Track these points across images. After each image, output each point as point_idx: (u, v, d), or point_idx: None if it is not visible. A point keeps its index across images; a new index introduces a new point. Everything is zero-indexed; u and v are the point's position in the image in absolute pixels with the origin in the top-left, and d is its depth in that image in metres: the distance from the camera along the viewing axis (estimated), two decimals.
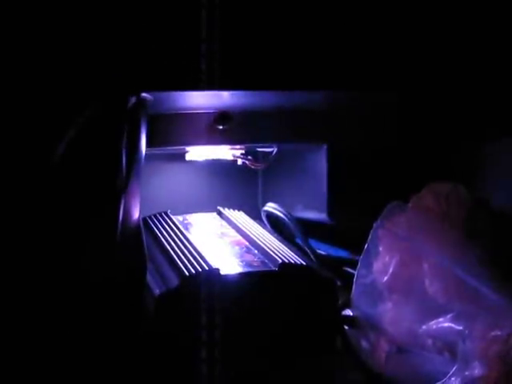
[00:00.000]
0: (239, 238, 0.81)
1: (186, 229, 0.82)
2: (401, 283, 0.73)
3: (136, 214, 0.61)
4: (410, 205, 0.75)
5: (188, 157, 0.88)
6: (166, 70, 0.61)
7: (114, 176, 0.57)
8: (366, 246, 0.74)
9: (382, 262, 0.74)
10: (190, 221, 0.87)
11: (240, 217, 0.88)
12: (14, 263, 0.57)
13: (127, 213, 0.59)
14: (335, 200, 0.89)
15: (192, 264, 0.71)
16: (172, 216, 0.85)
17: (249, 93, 0.71)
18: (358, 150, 0.86)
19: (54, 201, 0.56)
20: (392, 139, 0.84)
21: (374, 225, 0.74)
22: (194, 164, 0.91)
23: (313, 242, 0.91)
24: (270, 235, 0.83)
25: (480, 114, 0.81)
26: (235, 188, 1.01)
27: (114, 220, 0.57)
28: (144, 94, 0.61)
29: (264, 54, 0.65)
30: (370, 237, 0.74)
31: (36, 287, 0.57)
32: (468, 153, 0.85)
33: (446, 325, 0.70)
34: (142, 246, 0.63)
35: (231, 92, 0.69)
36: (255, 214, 0.93)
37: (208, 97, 0.71)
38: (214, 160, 0.88)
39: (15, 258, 0.57)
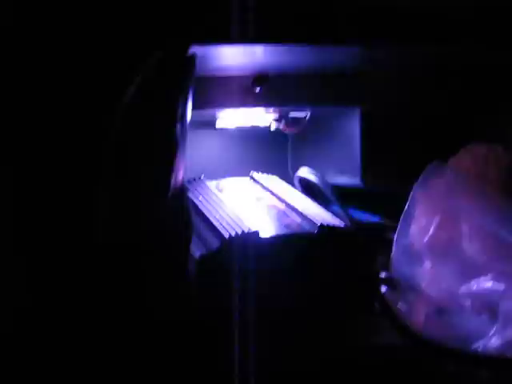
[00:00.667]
0: (275, 201, 0.82)
1: (221, 193, 0.83)
2: (440, 244, 0.74)
3: (182, 175, 0.62)
4: (448, 166, 0.76)
5: (218, 124, 0.88)
6: (210, 21, 0.61)
7: (172, 132, 0.58)
8: (405, 208, 0.75)
9: (421, 224, 0.74)
10: (224, 185, 0.87)
11: (274, 181, 0.89)
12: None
13: (177, 172, 0.60)
14: (369, 164, 0.90)
15: (231, 227, 0.71)
16: (206, 180, 0.85)
17: (285, 51, 0.71)
18: (392, 113, 0.86)
19: (116, 148, 0.57)
20: (427, 102, 0.85)
21: (413, 187, 0.75)
22: (223, 132, 0.91)
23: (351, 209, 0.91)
24: (305, 199, 0.84)
25: None
26: (265, 155, 1.01)
27: (168, 177, 0.58)
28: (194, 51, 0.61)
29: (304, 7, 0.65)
30: (409, 199, 0.75)
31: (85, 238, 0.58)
32: (504, 115, 0.86)
33: (486, 285, 0.71)
34: (187, 208, 0.64)
35: (270, 48, 0.69)
36: (286, 180, 0.94)
37: (245, 56, 0.72)
38: (243, 127, 0.89)
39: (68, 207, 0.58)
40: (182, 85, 0.58)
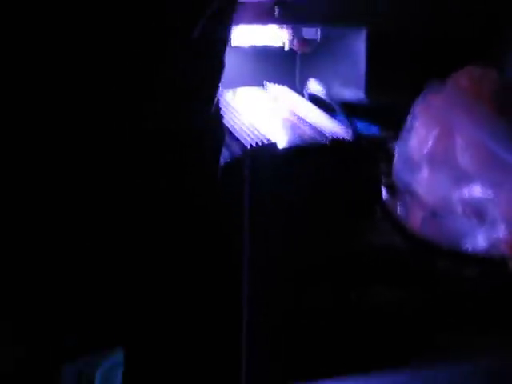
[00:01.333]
0: (288, 112, 0.89)
1: (238, 102, 0.90)
2: (437, 155, 0.82)
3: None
4: (447, 84, 0.83)
5: (234, 42, 0.94)
6: None
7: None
8: (406, 121, 0.82)
9: (421, 136, 0.82)
10: (239, 94, 0.94)
11: (286, 92, 0.96)
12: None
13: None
14: (372, 80, 0.97)
15: (250, 137, 0.78)
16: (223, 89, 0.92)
17: None
18: (396, 34, 0.93)
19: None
20: (429, 24, 0.91)
21: (415, 102, 0.82)
22: (238, 49, 0.97)
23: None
24: (314, 110, 0.91)
25: None
26: (275, 71, 1.08)
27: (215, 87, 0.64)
28: None
29: None
30: (410, 113, 0.82)
31: None
32: (500, 39, 0.92)
33: (476, 192, 0.79)
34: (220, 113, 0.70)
35: None
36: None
37: None
38: (257, 46, 0.95)
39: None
40: None
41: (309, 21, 0.90)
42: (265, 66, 1.05)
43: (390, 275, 0.79)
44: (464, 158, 0.80)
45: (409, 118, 0.82)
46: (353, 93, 0.99)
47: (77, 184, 0.64)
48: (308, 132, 0.83)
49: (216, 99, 0.66)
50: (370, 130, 1.02)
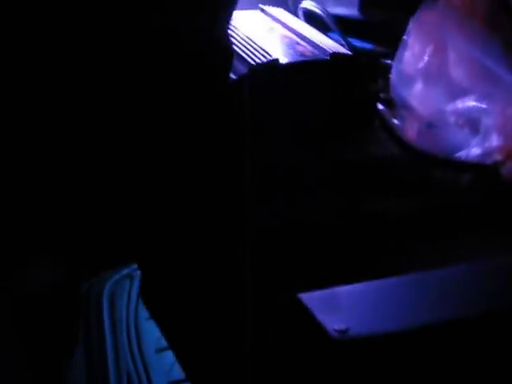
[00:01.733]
0: (287, 31, 0.93)
1: (237, 24, 0.93)
2: (431, 69, 0.86)
3: None
4: (439, 2, 0.87)
5: None
6: None
7: None
8: (403, 38, 0.86)
9: (416, 52, 0.86)
10: (236, 17, 0.97)
11: (282, 13, 0.99)
12: None
13: None
14: None
15: (255, 55, 0.82)
16: None
17: None
18: None
19: None
20: None
21: (410, 20, 0.86)
22: None
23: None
24: (311, 29, 0.95)
25: None
26: None
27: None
28: None
29: None
30: (406, 30, 0.86)
31: None
32: None
33: (469, 104, 0.84)
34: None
35: None
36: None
37: None
38: None
39: None
40: None
41: None
42: None
43: (388, 184, 0.83)
44: (457, 72, 0.84)
45: (405, 35, 0.86)
46: (347, 10, 1.02)
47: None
48: (308, 48, 0.87)
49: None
50: (365, 45, 1.06)
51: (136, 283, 1.03)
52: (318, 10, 0.99)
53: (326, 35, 0.98)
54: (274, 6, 1.05)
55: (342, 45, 0.95)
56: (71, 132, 0.68)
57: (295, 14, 1.06)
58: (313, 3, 1.00)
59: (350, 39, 1.05)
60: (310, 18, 1.02)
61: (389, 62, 0.97)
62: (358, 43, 1.06)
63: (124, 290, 1.02)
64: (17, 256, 0.69)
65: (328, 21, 0.98)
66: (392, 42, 0.96)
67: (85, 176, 0.71)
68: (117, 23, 0.67)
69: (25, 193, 0.69)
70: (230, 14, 0.71)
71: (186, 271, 0.74)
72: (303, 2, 1.02)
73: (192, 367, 0.72)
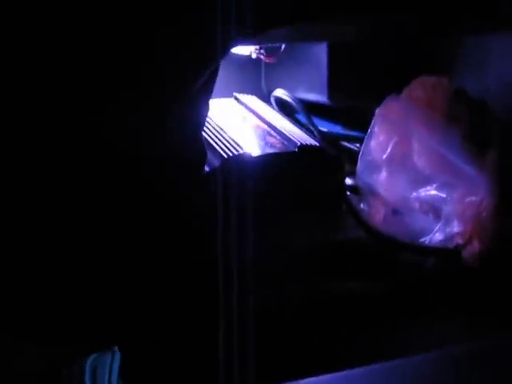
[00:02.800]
0: (259, 122, 0.98)
1: (211, 114, 0.98)
2: (395, 159, 0.91)
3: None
4: (402, 95, 0.92)
5: None
6: None
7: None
8: (369, 130, 0.91)
9: (381, 141, 0.91)
10: (212, 105, 1.02)
11: (255, 101, 1.04)
12: None
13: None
14: (334, 85, 1.06)
15: (227, 147, 0.87)
16: None
17: None
18: (358, 44, 1.01)
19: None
20: (386, 36, 1.00)
21: (376, 112, 0.91)
22: None
23: (315, 119, 1.09)
24: (282, 118, 1.00)
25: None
26: (242, 78, 1.16)
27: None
28: None
29: None
30: (372, 122, 0.91)
31: None
32: (448, 50, 1.02)
33: (432, 192, 0.88)
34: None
35: None
36: (261, 99, 1.10)
37: None
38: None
39: None
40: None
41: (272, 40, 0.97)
42: (232, 75, 1.13)
43: (355, 267, 0.87)
44: (420, 162, 0.88)
45: (370, 127, 0.91)
46: (317, 96, 1.08)
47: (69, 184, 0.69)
48: (278, 139, 0.92)
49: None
50: (334, 128, 1.11)
51: (117, 357, 1.05)
52: (288, 99, 1.04)
53: (296, 120, 1.03)
54: (248, 91, 1.10)
55: (312, 132, 1.00)
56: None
57: (268, 98, 1.11)
58: (284, 92, 1.06)
59: (319, 122, 1.10)
60: (282, 104, 1.08)
61: (356, 146, 1.02)
62: (326, 126, 1.11)
63: (106, 364, 1.04)
64: (4, 345, 0.72)
65: (298, 108, 1.03)
66: (358, 126, 1.01)
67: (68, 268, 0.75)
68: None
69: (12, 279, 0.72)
70: (203, 117, 0.76)
71: (167, 352, 0.77)
72: (276, 90, 1.07)
73: None
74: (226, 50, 0.69)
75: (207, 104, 0.73)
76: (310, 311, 0.81)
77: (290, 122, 1.00)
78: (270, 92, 1.11)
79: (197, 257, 0.78)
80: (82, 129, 0.68)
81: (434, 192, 0.88)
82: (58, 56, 0.65)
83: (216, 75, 0.71)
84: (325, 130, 1.08)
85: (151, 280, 0.77)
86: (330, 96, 1.06)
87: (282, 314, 0.79)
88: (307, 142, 0.90)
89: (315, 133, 1.01)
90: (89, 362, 0.96)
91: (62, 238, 0.72)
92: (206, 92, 0.70)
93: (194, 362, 0.76)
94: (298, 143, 0.89)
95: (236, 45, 0.74)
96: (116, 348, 0.97)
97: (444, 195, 0.86)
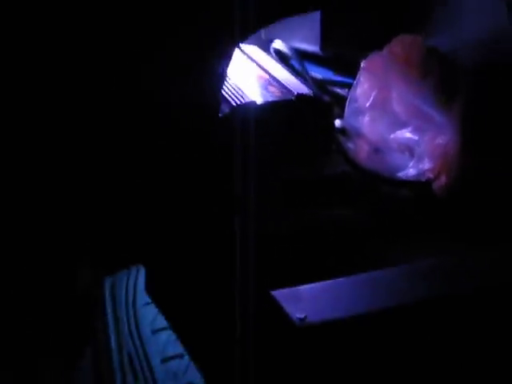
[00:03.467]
0: (261, 71, 1.13)
1: None
2: (377, 105, 1.05)
3: None
4: (384, 51, 1.07)
5: None
6: None
7: None
8: (354, 81, 1.07)
9: (365, 91, 1.05)
10: None
11: (257, 52, 1.19)
12: None
13: None
14: (327, 35, 1.21)
15: (235, 95, 1.02)
16: None
17: None
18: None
19: None
20: None
21: (361, 65, 1.06)
22: None
23: (309, 66, 1.22)
24: (280, 67, 1.15)
25: None
26: None
27: None
28: None
29: None
30: (357, 75, 1.06)
31: None
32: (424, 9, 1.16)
33: (407, 134, 1.03)
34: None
35: None
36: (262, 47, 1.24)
37: None
38: None
39: None
40: None
41: None
42: None
43: (343, 197, 1.00)
44: (398, 108, 1.02)
45: (356, 78, 1.06)
46: (311, 48, 1.23)
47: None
48: (278, 89, 1.07)
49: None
50: (326, 74, 1.26)
51: (132, 276, 1.23)
52: (286, 50, 1.19)
53: (293, 68, 1.18)
54: (251, 39, 1.23)
55: (306, 80, 1.15)
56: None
57: (268, 47, 1.25)
58: (282, 43, 1.21)
59: (313, 68, 1.25)
60: (280, 54, 1.23)
61: (345, 91, 1.18)
62: (319, 71, 1.26)
63: (122, 282, 1.22)
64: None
65: (295, 58, 1.18)
66: (347, 72, 1.16)
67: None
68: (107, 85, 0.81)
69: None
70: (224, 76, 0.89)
71: (185, 267, 0.91)
72: (275, 41, 1.22)
73: (188, 343, 0.92)
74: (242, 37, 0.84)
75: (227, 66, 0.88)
76: (302, 234, 0.94)
77: (288, 71, 1.14)
78: (271, 41, 1.24)
79: (211, 185, 0.91)
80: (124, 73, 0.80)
81: (408, 134, 1.02)
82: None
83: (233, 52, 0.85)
84: (318, 76, 1.22)
85: (173, 207, 0.92)
86: (323, 46, 1.20)
87: (278, 235, 0.92)
88: (303, 91, 1.04)
89: (309, 81, 1.15)
90: (108, 280, 1.14)
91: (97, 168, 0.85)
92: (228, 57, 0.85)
93: (208, 277, 0.89)
94: (295, 92, 1.03)
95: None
96: (131, 269, 1.14)
97: (417, 137, 1.01)
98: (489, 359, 0.80)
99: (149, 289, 0.99)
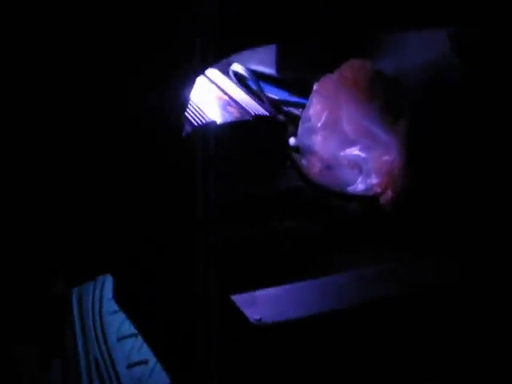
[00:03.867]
0: (220, 93, 1.20)
1: None
2: (329, 125, 1.12)
3: None
4: (335, 74, 1.15)
5: None
6: None
7: None
8: (307, 102, 1.14)
9: (318, 112, 1.13)
10: None
11: (216, 74, 1.27)
12: None
13: None
14: (282, 60, 1.29)
15: (196, 116, 1.09)
16: None
17: None
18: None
19: None
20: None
21: (314, 87, 1.14)
22: None
23: (266, 87, 1.30)
24: (239, 89, 1.22)
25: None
26: None
27: None
28: None
29: None
30: (310, 96, 1.14)
31: None
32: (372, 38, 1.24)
33: (356, 152, 1.11)
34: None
35: None
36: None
37: None
38: None
39: None
40: None
41: None
42: None
43: (297, 210, 1.07)
44: (348, 128, 1.09)
45: (309, 100, 1.14)
46: (267, 70, 1.31)
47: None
48: (236, 110, 1.14)
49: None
50: (281, 95, 1.33)
51: (98, 286, 1.29)
52: (244, 73, 1.27)
53: (250, 90, 1.26)
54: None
55: (263, 101, 1.23)
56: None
57: (227, 70, 1.33)
58: (239, 66, 1.28)
59: (268, 88, 1.33)
60: (238, 76, 1.30)
61: (299, 111, 1.26)
62: (275, 92, 1.34)
63: (89, 292, 1.28)
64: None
65: (252, 80, 1.26)
66: (301, 93, 1.23)
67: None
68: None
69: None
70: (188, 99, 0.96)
71: (152, 276, 0.97)
72: (233, 64, 1.30)
73: (155, 346, 0.99)
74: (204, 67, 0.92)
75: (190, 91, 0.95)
76: (259, 244, 1.01)
77: (246, 92, 1.21)
78: (229, 64, 1.31)
79: (174, 199, 0.95)
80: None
81: (357, 152, 1.09)
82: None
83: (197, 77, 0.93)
84: (274, 96, 1.30)
85: (139, 219, 0.98)
86: (279, 69, 1.29)
87: (236, 245, 0.99)
88: (259, 112, 1.12)
89: (265, 101, 1.23)
90: (74, 291, 1.19)
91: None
92: (191, 85, 0.92)
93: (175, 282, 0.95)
94: (253, 113, 1.11)
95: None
96: (97, 279, 1.20)
97: (365, 155, 1.08)
98: (429, 355, 0.88)
99: (117, 297, 1.05)
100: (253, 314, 0.79)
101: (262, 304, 0.82)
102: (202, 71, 0.94)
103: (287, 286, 0.86)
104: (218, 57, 0.88)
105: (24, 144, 0.85)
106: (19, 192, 0.87)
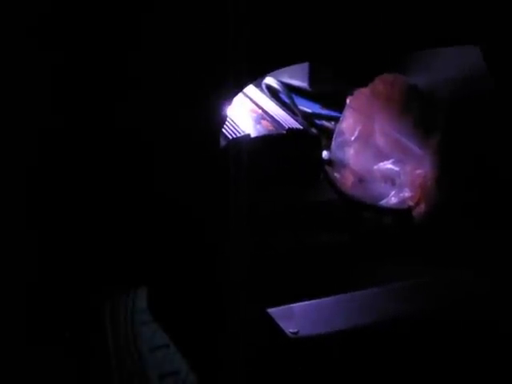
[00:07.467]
0: (254, 106, 1.22)
1: None
2: (362, 138, 1.12)
3: None
4: (368, 89, 1.16)
5: None
6: None
7: None
8: (341, 116, 1.16)
9: (351, 125, 1.14)
10: None
11: (249, 87, 1.27)
12: None
13: None
14: (315, 76, 1.30)
15: (231, 129, 1.11)
16: None
17: None
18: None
19: None
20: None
21: (347, 101, 1.15)
22: None
23: (299, 100, 1.31)
24: (272, 102, 1.24)
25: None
26: None
27: None
28: None
29: None
30: (344, 110, 1.15)
31: None
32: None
33: (389, 166, 1.11)
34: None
35: None
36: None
37: None
38: None
39: None
40: None
41: None
42: None
43: (329, 222, 1.07)
44: (381, 142, 1.10)
45: (342, 114, 1.15)
46: (300, 84, 1.32)
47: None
48: (270, 123, 1.16)
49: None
50: (314, 108, 1.35)
51: (131, 298, 1.30)
52: (277, 86, 1.29)
53: (283, 103, 1.27)
54: None
55: (296, 114, 1.24)
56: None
57: (260, 84, 1.34)
58: (272, 79, 1.30)
59: (301, 101, 1.34)
60: (271, 90, 1.32)
61: (332, 124, 1.27)
62: (307, 105, 1.35)
63: (121, 303, 1.29)
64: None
65: (284, 93, 1.27)
66: (333, 106, 1.25)
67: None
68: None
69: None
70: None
71: (186, 288, 0.98)
72: (265, 78, 1.31)
73: (189, 357, 1.00)
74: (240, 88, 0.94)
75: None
76: (293, 257, 1.01)
77: (278, 105, 1.23)
78: (262, 78, 1.33)
79: (209, 211, 0.97)
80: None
81: (390, 165, 1.09)
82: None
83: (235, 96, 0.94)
84: (306, 110, 1.31)
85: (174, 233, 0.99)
86: (311, 82, 1.30)
87: (270, 258, 1.00)
88: (293, 125, 1.13)
89: (298, 114, 1.24)
90: (107, 303, 1.20)
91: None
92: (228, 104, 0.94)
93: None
94: (286, 126, 1.12)
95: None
96: (130, 291, 1.21)
97: (398, 168, 1.08)
98: (463, 372, 0.88)
99: (151, 307, 1.06)
100: (289, 327, 0.79)
101: (298, 317, 0.82)
102: (238, 91, 0.95)
103: (321, 300, 0.86)
104: (253, 77, 0.90)
105: (77, 159, 0.89)
106: (63, 204, 0.89)
